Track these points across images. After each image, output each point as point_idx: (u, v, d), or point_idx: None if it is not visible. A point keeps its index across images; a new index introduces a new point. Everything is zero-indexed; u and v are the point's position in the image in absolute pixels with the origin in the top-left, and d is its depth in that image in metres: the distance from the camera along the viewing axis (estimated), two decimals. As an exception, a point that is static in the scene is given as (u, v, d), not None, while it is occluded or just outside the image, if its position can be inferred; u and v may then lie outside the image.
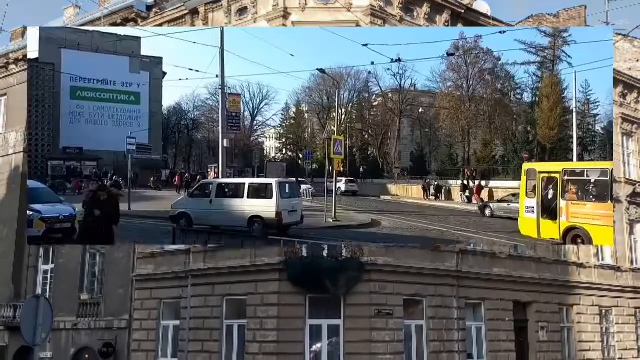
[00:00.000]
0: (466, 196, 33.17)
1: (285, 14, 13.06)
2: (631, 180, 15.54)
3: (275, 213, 14.14)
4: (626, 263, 14.32)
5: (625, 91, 15.75)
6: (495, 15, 14.14)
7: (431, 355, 9.18)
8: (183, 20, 14.13)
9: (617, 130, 15.96)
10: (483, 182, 34.46)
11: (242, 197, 14.77)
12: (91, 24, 14.66)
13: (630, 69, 16.14)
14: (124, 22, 14.54)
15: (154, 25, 14.52)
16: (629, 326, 13.49)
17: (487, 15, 13.94)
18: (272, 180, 15.68)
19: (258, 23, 13.38)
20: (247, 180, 16.96)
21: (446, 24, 13.57)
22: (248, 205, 14.51)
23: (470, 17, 13.81)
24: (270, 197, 14.38)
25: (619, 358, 12.74)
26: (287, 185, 15.94)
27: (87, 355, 12.13)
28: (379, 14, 13.03)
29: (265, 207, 14.29)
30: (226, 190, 15.51)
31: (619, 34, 16.06)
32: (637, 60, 16.51)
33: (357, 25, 13.18)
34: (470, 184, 35.13)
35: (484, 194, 31.62)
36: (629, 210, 15.15)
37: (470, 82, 52.10)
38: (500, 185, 34.38)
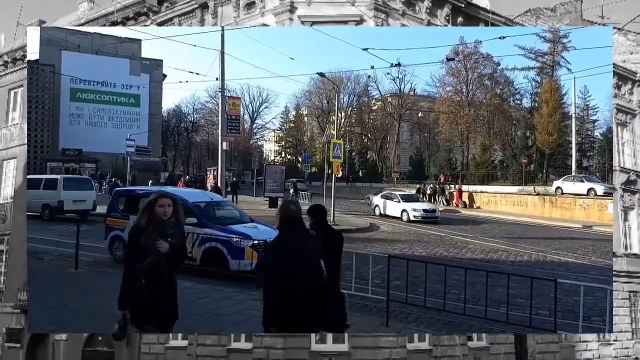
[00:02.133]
0: (445, 199, 34.44)
1: (292, 9, 13.25)
2: (625, 168, 16.01)
3: (57, 202, 18.98)
4: (621, 248, 14.82)
5: (620, 83, 16.28)
6: (494, 10, 14.32)
7: (432, 337, 9.19)
8: (193, 14, 14.37)
9: (614, 120, 16.62)
10: (464, 187, 36.02)
11: (39, 189, 19.06)
12: (105, 18, 14.89)
13: (624, 61, 16.59)
14: (137, 16, 14.81)
15: (165, 19, 14.70)
16: (624, 309, 13.83)
17: (487, 9, 14.11)
18: (59, 177, 20.90)
19: (266, 17, 13.58)
20: (44, 177, 22.65)
21: (447, 18, 13.75)
22: (42, 195, 18.88)
23: (471, 12, 14.03)
24: (56, 189, 19.15)
25: (614, 340, 12.91)
26: (75, 180, 21.50)
27: (100, 338, 12.13)
28: (382, 8, 13.23)
29: (52, 197, 18.97)
30: (31, 183, 18.34)
31: (614, 27, 16.52)
32: (631, 53, 16.98)
33: (362, 19, 13.35)
34: (450, 188, 36.35)
35: (465, 197, 33.55)
36: (624, 198, 15.65)
37: (470, 87, 52.29)
38: (500, 191, 34.48)
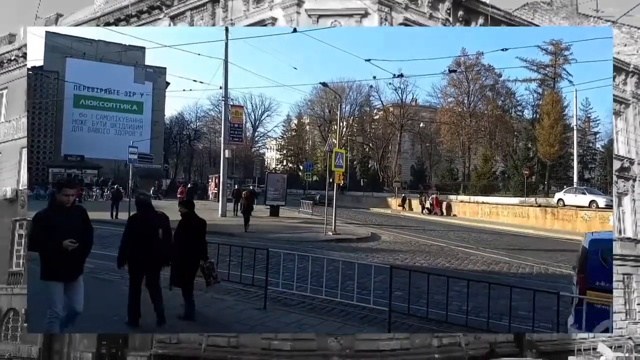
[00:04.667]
0: (426, 208, 36.38)
1: (300, 2, 13.57)
2: (619, 156, 16.80)
3: None
4: (615, 233, 15.53)
5: (614, 74, 17.05)
6: (494, 4, 14.82)
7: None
8: (205, 8, 14.78)
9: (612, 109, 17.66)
10: (441, 197, 38.56)
11: None
12: (120, 12, 15.45)
13: (618, 53, 17.26)
14: (150, 9, 15.28)
15: (177, 13, 15.19)
16: (618, 291, 14.28)
17: (486, 3, 14.41)
18: None
19: (274, 11, 13.99)
20: None
21: (448, 11, 14.14)
22: None
23: (471, 6, 14.45)
24: None
25: None
26: None
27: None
28: (386, 2, 13.55)
29: None
30: None
31: (608, 20, 17.09)
32: (625, 45, 17.74)
33: (366, 13, 13.65)
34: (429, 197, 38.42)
35: (441, 206, 36.17)
36: (618, 184, 16.52)
37: (472, 99, 52.50)
38: (501, 202, 34.50)
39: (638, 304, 15.26)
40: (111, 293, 8.49)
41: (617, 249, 15.28)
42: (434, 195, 37.33)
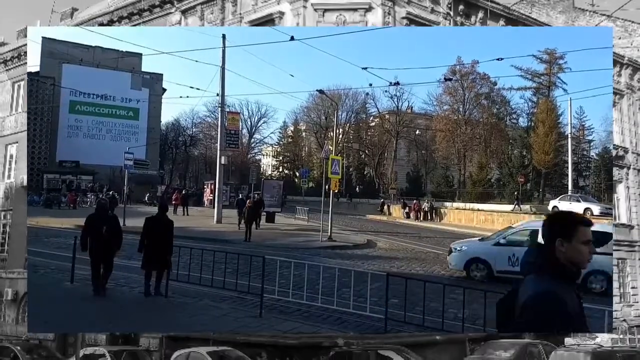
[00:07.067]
0: (405, 213, 37.66)
1: None
2: (615, 145, 17.58)
3: None
4: (611, 219, 16.55)
5: None
6: None
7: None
8: (214, 2, 15.17)
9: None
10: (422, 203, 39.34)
11: None
12: (133, 6, 15.85)
13: (613, 45, 17.84)
14: (162, 4, 15.64)
15: (188, 7, 15.49)
16: (613, 275, 14.58)
17: None
18: None
19: (282, 5, 14.33)
20: None
21: (449, 5, 14.56)
22: None
23: (471, 0, 14.84)
24: None
25: None
26: None
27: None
28: None
29: None
30: None
31: (604, 14, 17.65)
32: (620, 38, 18.33)
33: (370, 7, 13.91)
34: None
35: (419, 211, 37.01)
36: (614, 172, 17.30)
37: (467, 106, 52.84)
38: (497, 209, 34.59)
39: (632, 288, 15.82)
40: (112, 297, 8.51)
41: (612, 235, 15.97)
42: (414, 202, 38.45)
